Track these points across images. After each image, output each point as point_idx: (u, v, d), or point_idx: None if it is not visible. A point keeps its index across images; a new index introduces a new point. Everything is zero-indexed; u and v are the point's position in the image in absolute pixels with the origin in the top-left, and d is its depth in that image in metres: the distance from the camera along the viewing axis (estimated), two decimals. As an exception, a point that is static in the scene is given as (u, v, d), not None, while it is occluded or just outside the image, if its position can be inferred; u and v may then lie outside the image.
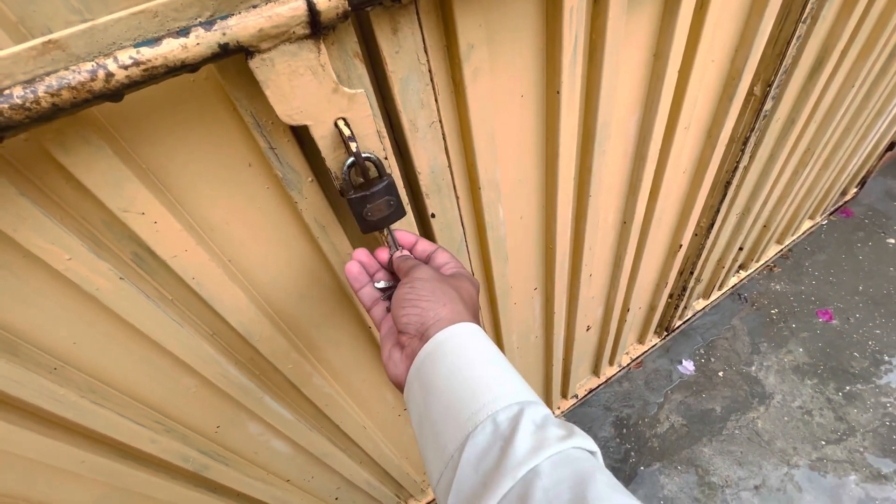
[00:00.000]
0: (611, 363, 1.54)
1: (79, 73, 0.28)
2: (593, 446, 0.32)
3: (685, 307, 1.56)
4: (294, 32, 0.33)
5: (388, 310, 0.47)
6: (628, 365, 1.59)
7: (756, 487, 1.37)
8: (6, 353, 0.43)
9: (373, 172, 0.43)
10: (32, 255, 0.38)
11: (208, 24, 0.31)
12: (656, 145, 0.81)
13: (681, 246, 1.19)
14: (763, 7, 0.73)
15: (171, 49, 0.30)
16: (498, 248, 0.73)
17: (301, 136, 0.44)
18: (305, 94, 0.37)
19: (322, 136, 0.40)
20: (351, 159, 0.40)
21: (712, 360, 1.68)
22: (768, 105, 0.90)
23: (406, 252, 0.49)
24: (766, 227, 1.57)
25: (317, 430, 0.81)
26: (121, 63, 0.29)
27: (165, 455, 0.62)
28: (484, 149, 0.57)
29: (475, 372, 0.36)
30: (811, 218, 1.93)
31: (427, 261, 0.48)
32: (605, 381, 1.55)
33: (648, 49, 0.68)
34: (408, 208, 0.54)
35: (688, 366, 1.67)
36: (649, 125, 0.77)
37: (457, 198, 0.59)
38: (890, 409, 1.48)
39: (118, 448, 0.59)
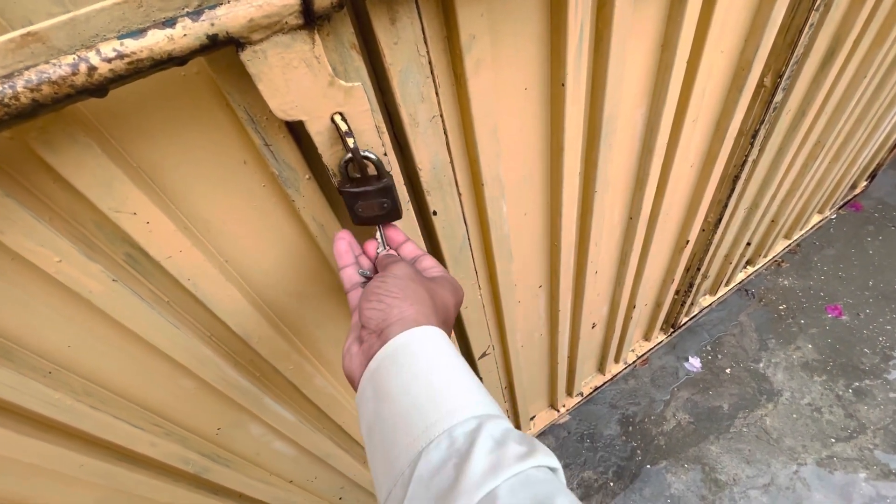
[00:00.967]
0: (616, 360, 1.53)
1: (59, 67, 0.27)
2: (555, 463, 0.30)
3: (692, 304, 1.54)
4: (287, 23, 0.32)
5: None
6: (634, 362, 1.57)
7: (764, 486, 1.35)
8: (0, 357, 0.42)
9: (372, 170, 0.42)
10: (22, 257, 0.37)
11: (196, 14, 0.29)
12: (664, 139, 0.79)
13: (688, 242, 1.17)
14: (774, -5, 0.70)
15: (156, 41, 0.28)
16: (501, 245, 0.71)
17: (297, 132, 0.42)
18: (300, 87, 0.35)
19: (318, 131, 0.39)
20: (348, 156, 0.39)
21: (719, 356, 1.66)
22: (779, 96, 0.88)
23: (392, 252, 0.47)
24: (774, 221, 1.54)
25: (319, 430, 0.80)
26: (104, 56, 0.27)
27: (165, 458, 0.61)
28: (487, 144, 0.56)
29: (433, 381, 0.34)
30: (820, 212, 1.90)
31: (415, 263, 0.46)
32: (611, 379, 1.54)
33: (656, 39, 0.66)
34: (408, 206, 0.53)
35: (694, 363, 1.65)
36: (656, 118, 0.75)
37: (459, 194, 0.58)
38: (901, 405, 1.46)
39: (117, 451, 0.58)
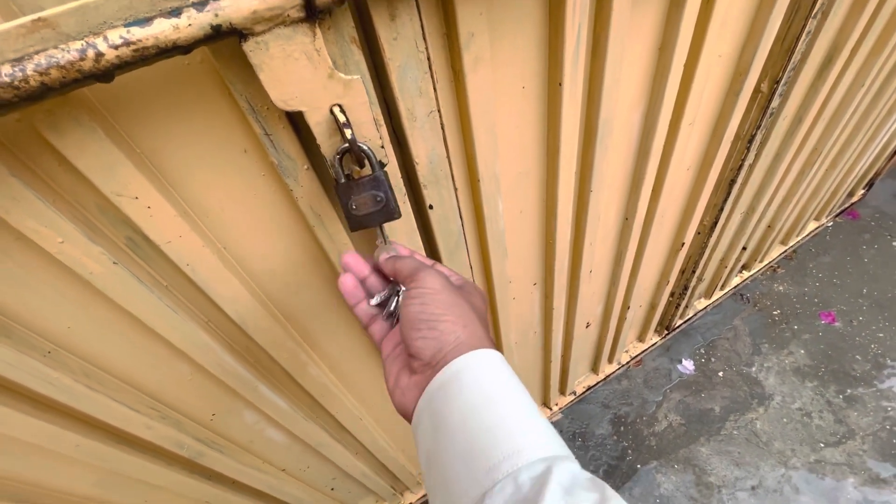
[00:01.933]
0: (610, 361, 1.54)
1: (68, 52, 0.28)
2: None
3: (686, 306, 1.55)
4: (289, 15, 0.33)
5: (391, 325, 0.43)
6: (628, 363, 1.58)
7: (753, 488, 1.36)
8: (0, 335, 0.43)
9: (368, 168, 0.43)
10: (25, 237, 0.38)
11: (200, 4, 0.30)
12: (660, 141, 0.80)
13: (683, 244, 1.18)
14: (772, 2, 0.71)
15: (162, 30, 0.29)
16: (497, 242, 0.72)
17: (297, 123, 0.43)
18: (300, 79, 0.36)
19: (317, 122, 0.39)
20: (343, 145, 0.40)
21: (712, 359, 1.67)
22: (775, 102, 0.89)
23: (396, 247, 0.45)
24: (770, 227, 1.55)
25: (312, 420, 0.81)
26: (111, 43, 0.28)
27: (160, 441, 0.62)
28: (484, 140, 0.57)
29: (495, 413, 0.32)
30: (816, 219, 1.91)
31: None
32: (604, 379, 1.55)
33: (653, 42, 0.67)
34: (405, 199, 0.54)
35: (688, 365, 1.66)
36: (653, 120, 0.76)
37: (455, 189, 0.59)
38: (891, 412, 1.47)
39: (113, 433, 0.59)
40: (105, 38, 0.29)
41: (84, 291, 0.45)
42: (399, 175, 0.52)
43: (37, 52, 0.28)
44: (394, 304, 0.45)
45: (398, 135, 0.51)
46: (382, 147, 0.44)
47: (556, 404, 1.49)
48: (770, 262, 1.83)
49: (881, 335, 1.66)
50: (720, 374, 1.63)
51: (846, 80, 1.03)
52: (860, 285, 1.82)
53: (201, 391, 0.64)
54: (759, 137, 0.95)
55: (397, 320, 0.44)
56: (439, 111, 0.50)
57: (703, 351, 1.70)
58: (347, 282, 0.44)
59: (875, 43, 0.99)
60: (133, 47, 0.29)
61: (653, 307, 1.44)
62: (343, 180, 0.42)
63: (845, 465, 1.38)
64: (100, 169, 0.37)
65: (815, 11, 0.75)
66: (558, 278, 0.93)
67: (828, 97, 1.04)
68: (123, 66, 0.30)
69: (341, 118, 0.38)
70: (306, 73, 0.36)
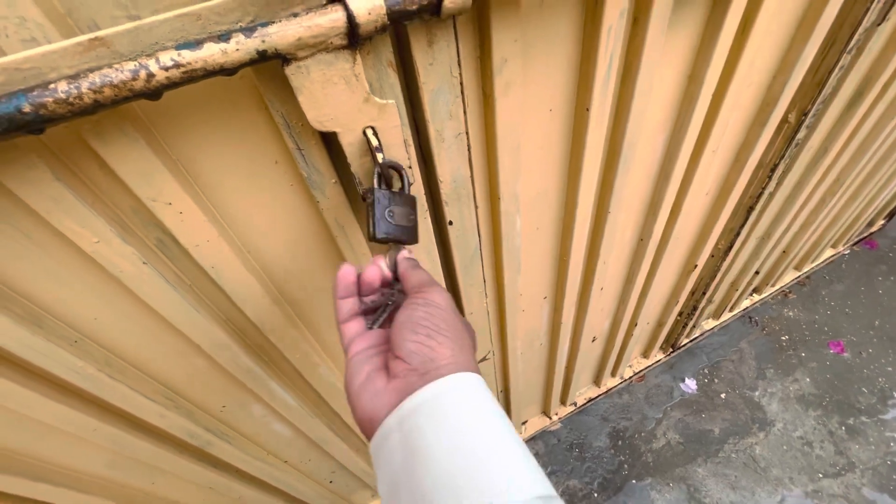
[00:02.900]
0: (613, 374, 1.54)
1: (121, 72, 0.29)
2: None
3: (694, 326, 1.54)
4: (332, 43, 0.34)
5: (372, 327, 0.41)
6: (630, 378, 1.59)
7: (747, 513, 1.36)
8: (32, 324, 0.44)
9: (396, 185, 0.44)
10: (63, 235, 0.40)
11: (248, 30, 0.31)
12: (682, 166, 0.80)
13: (696, 266, 1.17)
14: (808, 34, 0.71)
15: (211, 53, 0.30)
16: (512, 257, 0.73)
17: (328, 139, 0.44)
18: (337, 102, 0.37)
19: (350, 143, 0.40)
20: (377, 168, 0.40)
21: (716, 381, 1.67)
22: (801, 133, 0.88)
23: (413, 259, 0.43)
24: (785, 252, 1.54)
25: (317, 416, 0.82)
26: (162, 65, 0.30)
27: (172, 429, 0.64)
28: (507, 161, 0.57)
29: (484, 446, 0.29)
30: (833, 247, 1.88)
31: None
32: (606, 392, 1.56)
33: (684, 70, 0.67)
34: (426, 214, 0.55)
35: (690, 384, 1.66)
36: (676, 146, 0.76)
37: (476, 207, 0.59)
38: (894, 447, 1.46)
39: (128, 419, 0.61)
40: (157, 60, 0.30)
41: (112, 287, 0.47)
42: (423, 192, 0.52)
43: (91, 71, 0.29)
44: (383, 315, 0.42)
45: (424, 154, 0.52)
46: (410, 167, 0.45)
47: (556, 414, 1.50)
48: (782, 287, 1.81)
49: (889, 369, 1.64)
50: (722, 395, 1.63)
51: (875, 113, 1.01)
52: (872, 317, 1.79)
53: (214, 385, 0.65)
54: (781, 166, 0.94)
55: (380, 327, 0.42)
56: (467, 133, 0.50)
57: (706, 371, 1.69)
58: (349, 274, 0.41)
59: (909, 78, 0.98)
60: (182, 69, 0.30)
61: (660, 325, 1.43)
62: (381, 188, 0.41)
63: (842, 496, 1.38)
64: (138, 175, 0.39)
65: (850, 47, 0.74)
66: (569, 294, 0.93)
67: (855, 130, 1.03)
68: (172, 86, 0.31)
69: (374, 141, 0.39)
70: (343, 97, 0.37)
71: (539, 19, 0.49)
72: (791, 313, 1.84)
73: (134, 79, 0.29)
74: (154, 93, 0.31)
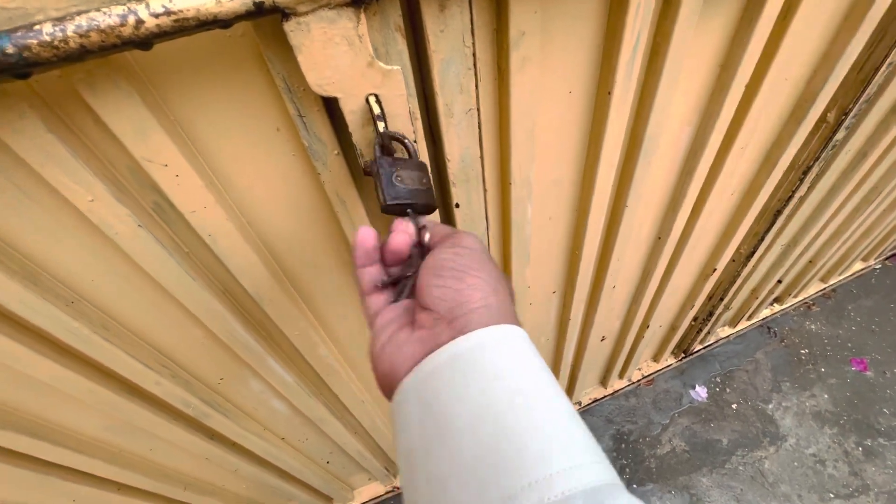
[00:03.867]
0: (621, 376, 1.51)
1: (109, 17, 0.27)
2: None
3: (708, 332, 1.49)
4: (334, -2, 0.32)
5: (398, 299, 0.35)
6: (638, 381, 1.55)
7: (751, 527, 1.32)
8: (27, 280, 0.44)
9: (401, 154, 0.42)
10: (58, 192, 0.39)
11: (246, -21, 0.29)
12: (707, 162, 0.76)
13: (715, 270, 1.13)
14: (856, 26, 0.65)
15: (204, 2, 0.29)
16: (521, 246, 0.71)
17: (331, 107, 0.42)
18: (339, 64, 0.35)
19: (352, 110, 0.38)
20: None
21: (728, 390, 1.61)
22: (840, 134, 0.82)
23: (443, 227, 0.37)
24: (811, 262, 1.47)
25: (316, 396, 0.82)
26: (152, 11, 0.28)
27: (168, 398, 0.64)
28: (521, 143, 0.55)
29: (529, 417, 0.23)
30: (864, 260, 1.80)
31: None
32: (612, 394, 1.52)
33: (715, 58, 0.63)
34: (432, 195, 0.53)
35: (700, 392, 1.61)
36: (703, 140, 0.72)
37: (485, 191, 0.57)
38: (912, 473, 1.39)
39: (125, 384, 0.61)
40: (147, 6, 0.28)
41: (109, 249, 0.46)
42: (429, 171, 0.50)
43: (79, 14, 0.28)
44: (407, 285, 0.37)
45: (433, 130, 0.49)
46: (415, 142, 0.43)
47: (559, 412, 1.47)
48: (805, 299, 1.74)
49: (915, 391, 1.56)
50: (734, 406, 1.58)
51: (923, 118, 0.95)
52: (900, 336, 1.71)
53: (211, 356, 0.65)
54: (815, 169, 0.89)
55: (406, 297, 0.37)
56: (478, 109, 0.48)
57: (718, 380, 1.64)
58: (368, 238, 0.35)
59: (963, 81, 0.91)
60: (174, 17, 0.28)
61: (673, 329, 1.39)
62: (381, 156, 0.38)
63: (853, 519, 1.32)
64: (133, 133, 0.37)
65: (901, 41, 0.69)
66: (579, 290, 0.90)
67: (899, 134, 0.96)
68: (163, 35, 0.29)
69: (376, 109, 0.37)
70: (346, 60, 0.35)
71: (562, -9, 0.46)
72: (813, 326, 1.77)
73: (122, 24, 0.28)
74: (144, 42, 0.29)
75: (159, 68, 0.37)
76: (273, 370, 0.70)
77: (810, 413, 1.54)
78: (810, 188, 0.98)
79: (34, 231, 0.42)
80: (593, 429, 1.53)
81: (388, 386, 0.29)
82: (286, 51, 0.36)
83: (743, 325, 1.64)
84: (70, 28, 0.27)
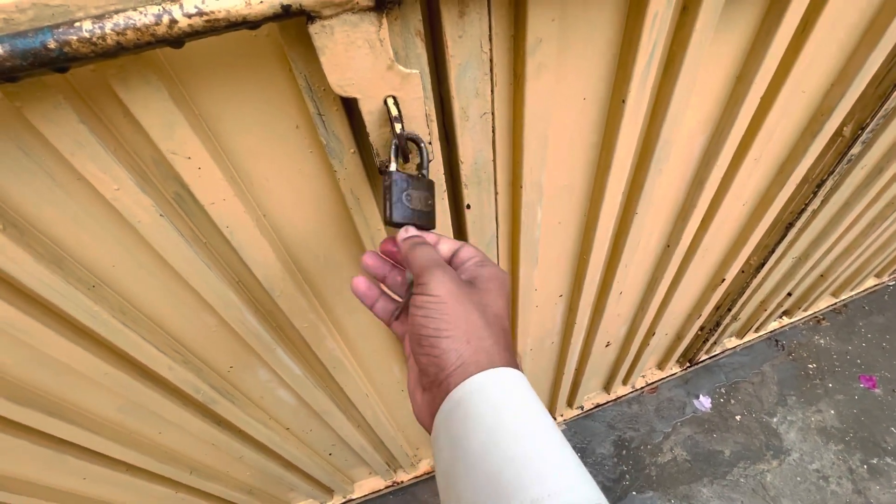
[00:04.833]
0: (624, 383, 1.51)
1: (145, 16, 0.29)
2: None
3: (715, 342, 1.49)
4: (358, 3, 0.33)
5: (398, 317, 0.42)
6: (642, 388, 1.55)
7: (750, 540, 1.32)
8: (53, 263, 0.46)
9: (414, 160, 0.43)
10: (85, 179, 0.40)
11: (275, -17, 0.30)
12: (719, 172, 0.76)
13: (723, 280, 1.12)
14: (875, 41, 0.65)
15: (234, 4, 0.30)
16: (529, 249, 0.71)
17: (350, 106, 0.44)
18: (360, 66, 0.36)
19: (370, 111, 0.40)
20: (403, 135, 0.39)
21: (732, 401, 1.60)
22: (856, 149, 0.82)
23: (414, 233, 0.40)
24: (823, 276, 1.46)
25: (321, 388, 0.83)
26: (185, 11, 0.29)
27: (179, 383, 0.66)
28: (533, 148, 0.55)
29: (517, 446, 0.28)
30: (878, 276, 1.77)
31: (451, 261, 0.40)
32: (615, 399, 1.52)
33: (731, 69, 0.63)
34: (444, 195, 0.54)
35: (704, 402, 1.60)
36: (716, 150, 0.72)
37: (496, 193, 0.58)
38: (918, 494, 1.37)
39: (139, 368, 0.63)
40: (181, 6, 0.29)
41: (131, 236, 0.48)
42: (442, 171, 0.51)
43: (117, 12, 0.29)
44: (400, 308, 0.42)
45: (448, 132, 0.50)
46: (430, 143, 0.44)
47: (562, 415, 1.48)
48: (815, 313, 1.72)
49: (924, 411, 1.54)
50: (737, 417, 1.57)
51: (943, 135, 0.94)
52: (912, 354, 1.69)
53: (223, 344, 0.67)
54: (829, 183, 0.88)
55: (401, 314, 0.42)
56: (493, 113, 0.49)
57: (723, 391, 1.63)
58: (360, 284, 0.42)
59: None
60: (205, 18, 0.30)
61: (679, 338, 1.39)
62: (395, 169, 0.40)
63: (855, 537, 1.31)
64: (160, 127, 0.39)
65: (922, 58, 0.68)
66: (586, 294, 0.91)
67: (917, 151, 0.95)
68: (194, 34, 0.30)
69: (394, 111, 0.38)
70: (366, 62, 0.36)
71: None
72: (822, 341, 1.75)
73: (157, 23, 0.29)
74: (176, 40, 0.30)
75: (187, 65, 0.38)
76: (281, 361, 0.72)
77: (815, 428, 1.53)
78: (824, 202, 0.97)
79: (62, 216, 0.44)
80: (594, 434, 1.53)
81: (423, 426, 0.36)
82: (309, 51, 0.37)
83: (750, 336, 1.63)
84: (108, 26, 0.28)
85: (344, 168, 0.47)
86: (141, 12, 0.29)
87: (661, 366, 1.55)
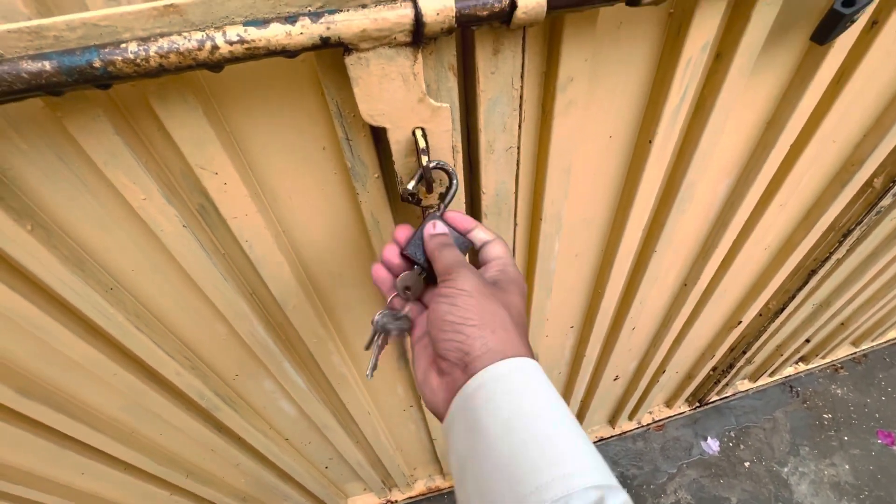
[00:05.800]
0: (630, 418, 1.47)
1: (189, 41, 0.29)
2: None
3: (727, 384, 1.45)
4: (395, 38, 0.33)
5: (420, 310, 0.42)
6: (648, 425, 1.51)
7: None
8: (75, 265, 0.47)
9: (437, 189, 0.43)
10: (115, 188, 0.41)
11: (315, 15, 0.31)
12: (743, 215, 0.75)
13: (740, 322, 1.10)
14: (911, 95, 0.64)
15: (275, 34, 0.30)
16: (544, 279, 0.71)
17: (377, 133, 0.44)
18: (392, 98, 0.37)
19: (398, 140, 0.40)
20: (431, 164, 0.40)
21: (741, 446, 1.55)
22: (887, 201, 0.80)
23: (442, 230, 0.40)
24: (843, 325, 1.42)
25: (324, 402, 0.83)
26: (227, 38, 0.30)
27: (185, 388, 0.66)
28: (556, 182, 0.55)
29: (539, 430, 0.29)
30: (901, 328, 1.72)
31: (479, 250, 0.42)
32: (620, 434, 1.49)
33: (762, 114, 0.62)
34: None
35: (712, 444, 1.55)
36: (741, 193, 0.71)
37: (515, 224, 0.58)
38: (935, 562, 1.30)
39: (147, 371, 0.63)
40: (224, 34, 0.30)
41: (152, 244, 0.49)
42: (463, 200, 0.51)
43: (161, 36, 0.30)
44: (418, 288, 0.42)
45: (472, 161, 0.50)
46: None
47: (563, 446, 1.44)
48: (834, 361, 1.67)
49: (945, 474, 1.47)
50: (746, 464, 1.51)
51: (978, 192, 0.91)
52: (934, 412, 1.62)
53: (231, 353, 0.67)
54: (856, 233, 0.86)
55: (424, 305, 0.43)
56: (519, 148, 0.49)
57: (732, 434, 1.58)
58: (379, 272, 0.43)
59: None
60: (246, 46, 0.30)
61: (690, 377, 1.35)
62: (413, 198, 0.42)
63: None
64: (192, 142, 0.40)
65: (960, 115, 0.67)
66: (598, 327, 0.89)
67: (950, 206, 0.93)
68: (233, 60, 0.31)
69: (422, 143, 0.38)
70: (399, 94, 0.37)
71: (614, 41, 0.46)
72: (839, 391, 1.69)
73: (199, 49, 0.30)
74: (216, 65, 0.31)
75: (224, 86, 0.39)
76: (287, 373, 0.72)
77: (829, 483, 1.47)
78: (849, 251, 0.95)
79: (88, 220, 0.45)
80: (596, 468, 1.49)
81: (436, 413, 0.36)
82: (343, 80, 0.38)
83: (764, 380, 1.58)
84: (153, 49, 0.29)
85: (367, 192, 0.47)
86: (185, 37, 0.30)
87: (669, 403, 1.51)
